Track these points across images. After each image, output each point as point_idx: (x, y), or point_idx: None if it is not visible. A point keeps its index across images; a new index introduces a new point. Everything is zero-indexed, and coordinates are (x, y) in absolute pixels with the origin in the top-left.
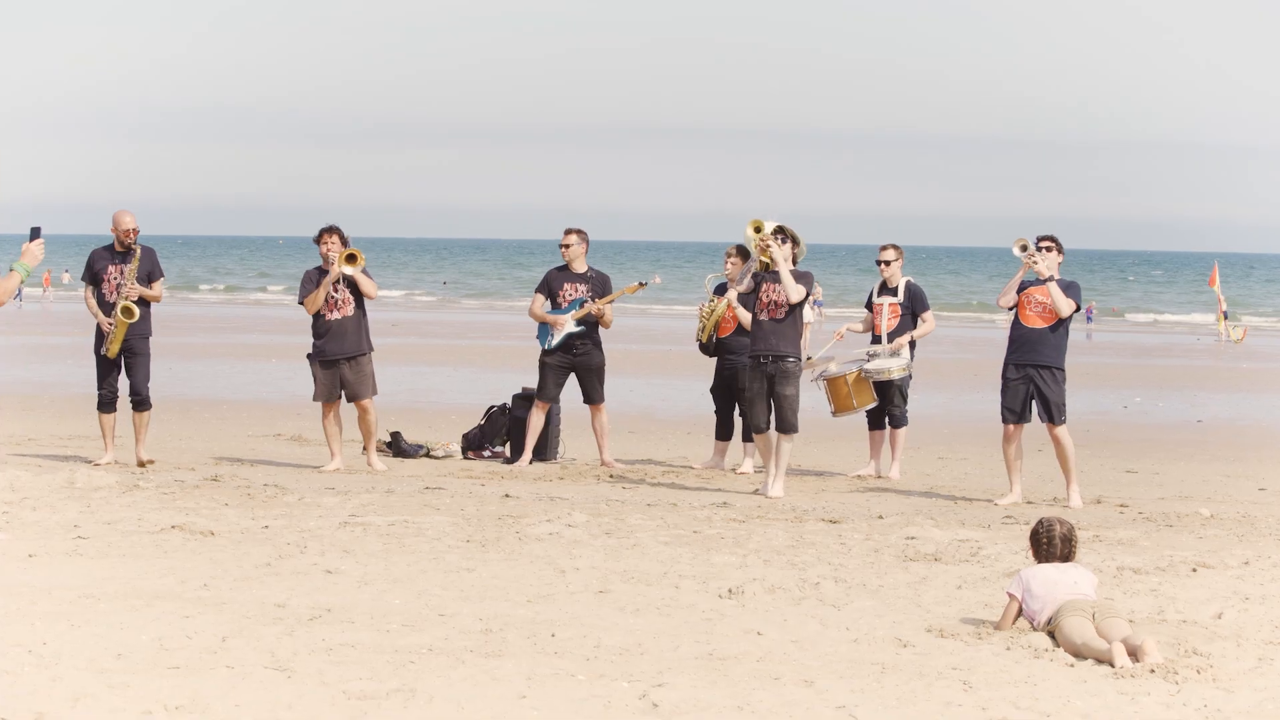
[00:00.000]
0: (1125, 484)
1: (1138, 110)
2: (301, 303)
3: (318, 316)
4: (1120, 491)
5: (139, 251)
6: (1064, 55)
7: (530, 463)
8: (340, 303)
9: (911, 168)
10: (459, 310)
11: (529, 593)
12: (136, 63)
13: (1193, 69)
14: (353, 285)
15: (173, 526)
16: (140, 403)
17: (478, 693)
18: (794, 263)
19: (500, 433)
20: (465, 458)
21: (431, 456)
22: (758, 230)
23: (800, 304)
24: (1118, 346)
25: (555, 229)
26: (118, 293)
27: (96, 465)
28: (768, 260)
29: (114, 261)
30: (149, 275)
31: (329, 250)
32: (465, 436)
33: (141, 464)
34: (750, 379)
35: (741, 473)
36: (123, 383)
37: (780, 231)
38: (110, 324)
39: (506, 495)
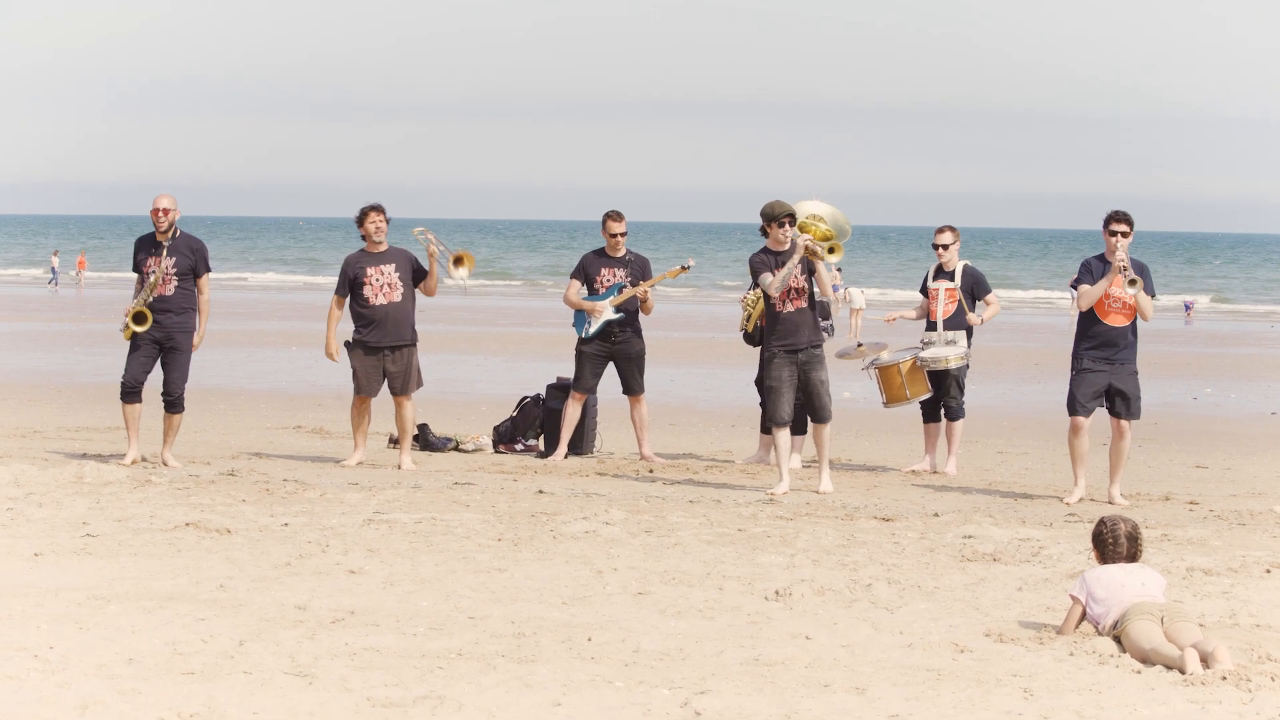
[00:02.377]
0: (1195, 480)
1: (1167, 83)
2: (339, 294)
3: (362, 302)
4: (1190, 488)
5: (164, 250)
6: (1091, 25)
7: (565, 457)
8: (388, 288)
9: (927, 144)
10: (490, 295)
11: (564, 594)
12: (104, 34)
13: (1228, 40)
14: (405, 271)
15: (187, 524)
16: (173, 404)
17: (509, 700)
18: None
19: (534, 425)
20: (496, 451)
21: (461, 450)
22: (832, 251)
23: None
24: (1187, 335)
25: (570, 209)
26: (152, 290)
27: (121, 463)
28: (815, 255)
29: (152, 253)
30: (192, 270)
31: (377, 229)
32: (496, 429)
33: (164, 464)
34: (779, 368)
35: (790, 469)
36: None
37: (790, 217)
38: (126, 324)
39: (540, 491)
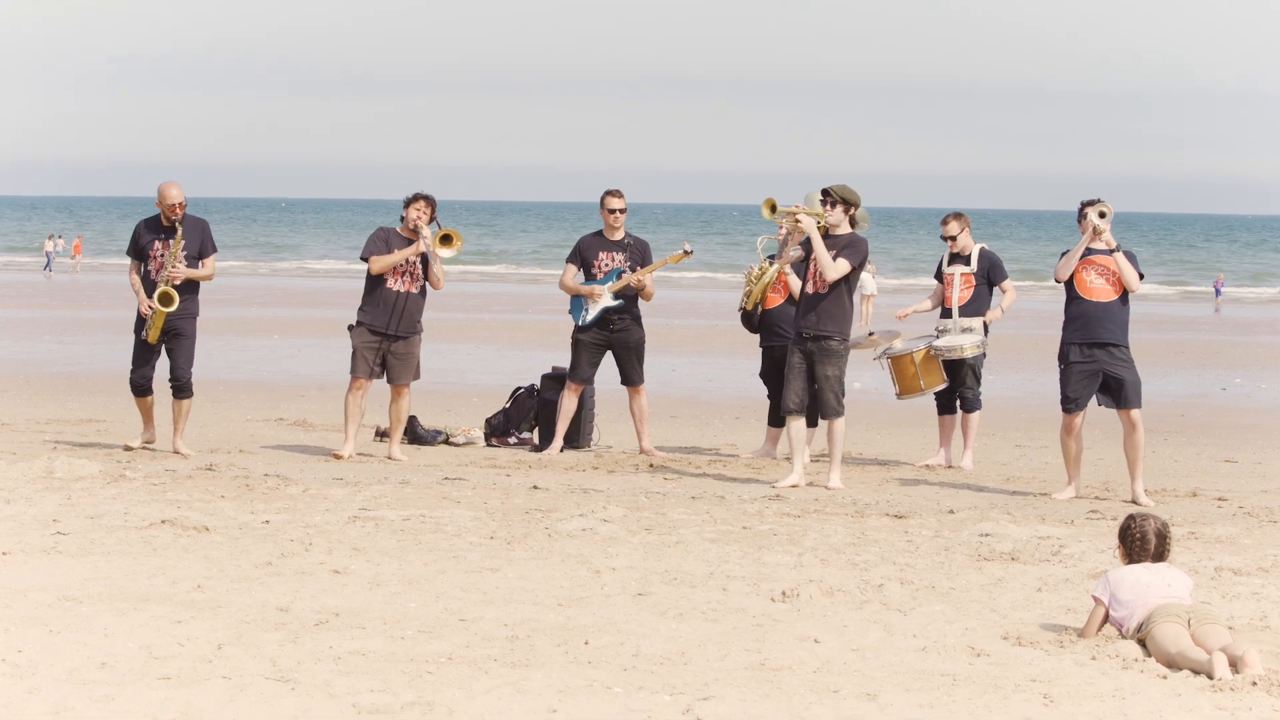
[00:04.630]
0: (1224, 475)
1: (1195, 56)
2: (365, 258)
3: (378, 281)
4: (1219, 483)
5: (180, 230)
6: None
7: (561, 451)
8: (410, 275)
9: (940, 122)
10: (481, 281)
11: (560, 595)
12: (72, 7)
13: (1259, 10)
14: (425, 262)
15: (163, 521)
16: (180, 389)
17: (503, 706)
18: (852, 225)
19: (528, 417)
20: (489, 445)
21: (451, 444)
22: (774, 210)
23: (844, 280)
24: (1215, 322)
25: (565, 190)
26: (160, 274)
27: (129, 446)
28: (803, 230)
29: (160, 237)
30: (199, 251)
31: (419, 218)
32: (489, 422)
33: (178, 452)
34: (789, 354)
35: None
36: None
37: (826, 195)
38: (150, 308)
39: (535, 487)
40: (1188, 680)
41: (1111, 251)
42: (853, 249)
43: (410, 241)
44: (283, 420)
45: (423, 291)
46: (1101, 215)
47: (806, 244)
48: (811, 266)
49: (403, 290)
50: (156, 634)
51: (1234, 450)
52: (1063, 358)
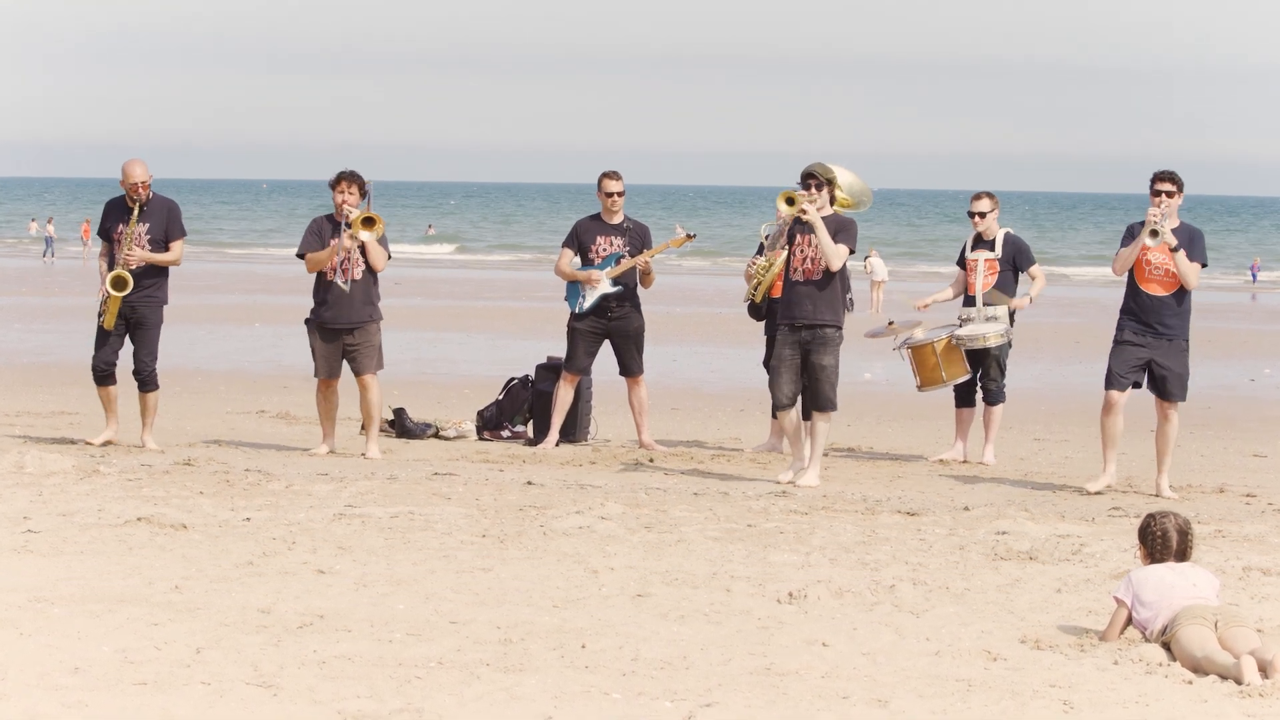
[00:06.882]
0: (1253, 470)
1: (1223, 33)
2: (301, 256)
3: (320, 277)
4: (1247, 479)
5: (136, 212)
6: None
7: (557, 444)
8: (349, 263)
9: (954, 100)
10: (473, 267)
11: (555, 596)
12: None
13: None
14: (363, 247)
15: (139, 519)
16: (144, 382)
17: (495, 713)
18: (831, 204)
19: (521, 410)
20: (481, 438)
21: (441, 437)
22: (791, 203)
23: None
24: (1244, 310)
25: (560, 172)
26: (126, 254)
27: (90, 443)
28: (807, 220)
29: (124, 219)
30: (165, 234)
31: (345, 201)
32: (481, 414)
33: (145, 447)
34: (779, 346)
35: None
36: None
37: (810, 177)
38: (105, 292)
39: (529, 482)
40: (1214, 685)
41: (1173, 250)
42: (846, 232)
43: (340, 226)
44: (264, 413)
45: (371, 276)
46: (1154, 234)
47: (789, 232)
48: (799, 254)
49: (344, 280)
50: (132, 637)
51: (1263, 444)
52: (1116, 335)
